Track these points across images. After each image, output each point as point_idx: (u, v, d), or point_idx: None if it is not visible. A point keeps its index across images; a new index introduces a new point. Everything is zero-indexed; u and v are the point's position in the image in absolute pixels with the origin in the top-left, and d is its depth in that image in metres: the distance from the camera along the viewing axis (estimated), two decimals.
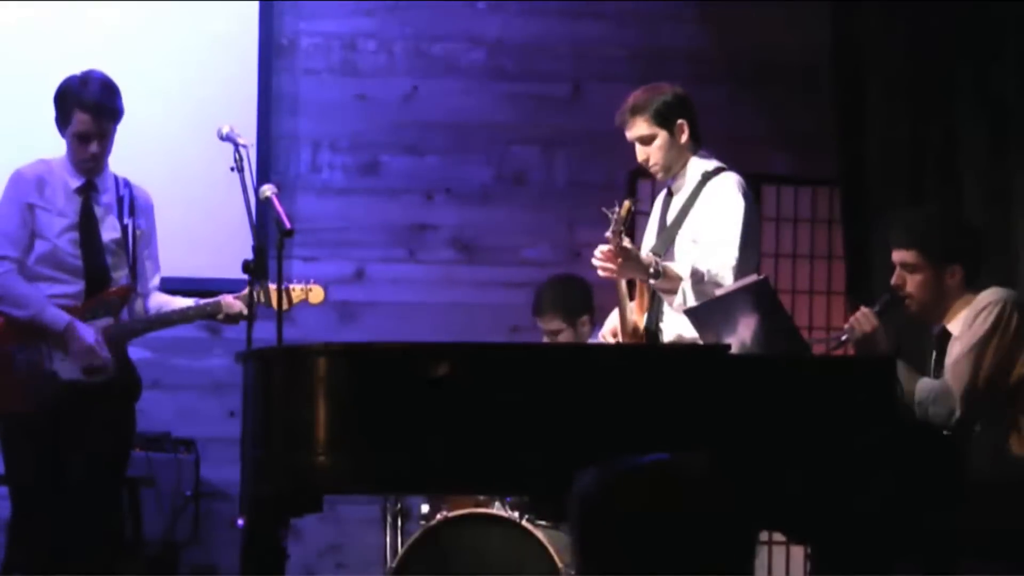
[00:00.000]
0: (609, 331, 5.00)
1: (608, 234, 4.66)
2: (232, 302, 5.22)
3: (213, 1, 6.46)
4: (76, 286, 5.21)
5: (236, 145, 4.89)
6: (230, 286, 5.31)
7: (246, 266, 4.82)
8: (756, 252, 4.96)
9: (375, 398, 3.85)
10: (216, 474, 6.24)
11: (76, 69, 5.29)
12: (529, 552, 5.26)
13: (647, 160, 4.92)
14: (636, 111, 4.89)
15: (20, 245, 5.18)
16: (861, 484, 3.82)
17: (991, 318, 4.58)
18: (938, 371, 4.72)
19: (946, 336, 4.72)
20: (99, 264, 5.23)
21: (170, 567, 6.04)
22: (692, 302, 4.66)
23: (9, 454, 5.24)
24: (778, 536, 6.09)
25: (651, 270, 4.70)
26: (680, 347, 4.68)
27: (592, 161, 6.73)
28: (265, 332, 4.77)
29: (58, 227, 5.21)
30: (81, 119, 5.15)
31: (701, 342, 4.55)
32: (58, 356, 5.16)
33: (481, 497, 5.44)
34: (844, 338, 4.78)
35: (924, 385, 4.58)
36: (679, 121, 4.88)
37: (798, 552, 6.32)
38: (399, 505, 5.72)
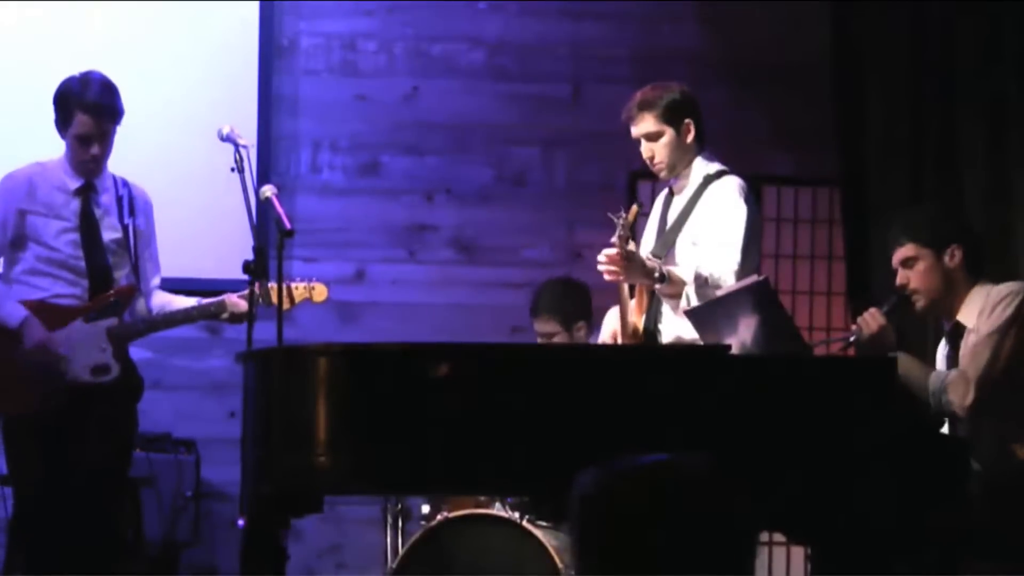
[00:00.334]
0: (609, 335, 5.00)
1: (614, 239, 4.66)
2: (237, 301, 5.22)
3: (214, 1, 6.47)
4: (80, 287, 5.22)
5: (236, 146, 4.89)
6: (231, 286, 5.31)
7: (247, 267, 4.82)
8: (758, 255, 4.96)
9: (375, 398, 3.85)
10: (216, 475, 6.24)
11: (76, 70, 5.29)
12: (529, 552, 5.26)
13: (652, 157, 4.91)
14: (645, 107, 4.88)
15: (1, 249, 5.20)
16: (861, 484, 3.82)
17: (1011, 308, 4.57)
18: (950, 367, 4.72)
19: (959, 330, 4.71)
20: (101, 264, 5.24)
21: (170, 567, 6.04)
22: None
23: (12, 454, 5.24)
24: (778, 536, 6.10)
25: (656, 274, 4.70)
26: (680, 347, 4.68)
27: (592, 162, 6.73)
28: (265, 332, 4.77)
29: (55, 229, 5.21)
30: (82, 120, 5.15)
31: (701, 343, 4.54)
32: (63, 357, 5.16)
33: (481, 498, 5.44)
34: (852, 339, 4.78)
35: (937, 375, 4.58)
36: (686, 120, 4.88)
37: (798, 552, 6.32)
38: (399, 505, 5.73)
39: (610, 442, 3.73)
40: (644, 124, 4.88)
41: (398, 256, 6.67)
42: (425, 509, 5.54)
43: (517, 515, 5.31)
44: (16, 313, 5.13)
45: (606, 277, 4.75)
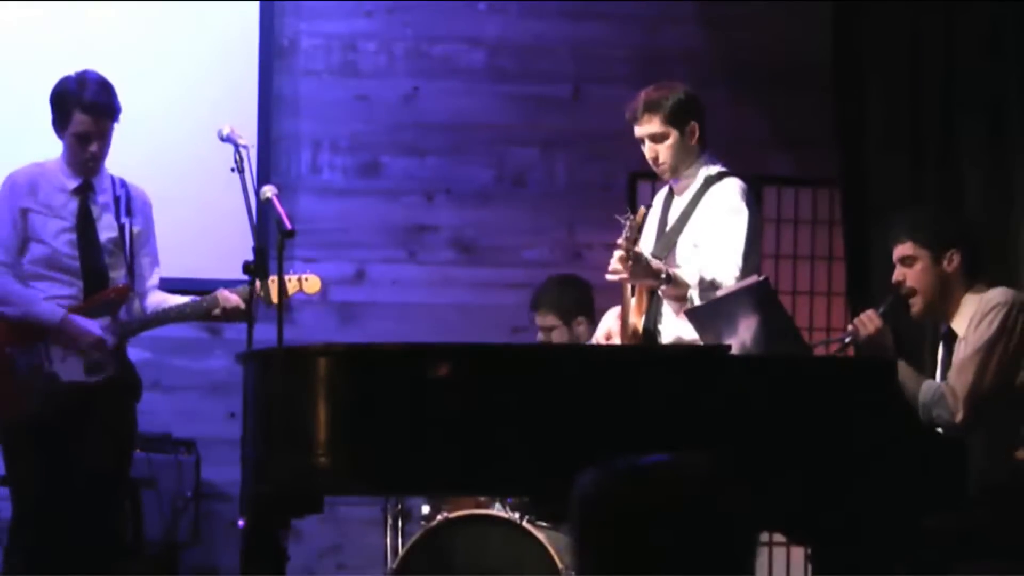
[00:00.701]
0: (603, 335, 5.00)
1: (621, 240, 4.66)
2: (228, 295, 5.21)
3: (214, 2, 6.47)
4: (74, 287, 5.21)
5: (236, 146, 4.89)
6: (230, 287, 5.30)
7: (247, 267, 4.82)
8: (758, 257, 4.96)
9: (376, 399, 3.85)
10: (217, 475, 6.24)
11: (77, 70, 5.29)
12: (529, 553, 5.26)
13: (655, 158, 4.90)
14: (650, 108, 4.86)
15: (11, 250, 5.19)
16: (861, 484, 3.82)
17: (997, 321, 4.56)
18: (946, 372, 4.72)
19: (952, 336, 4.71)
20: (97, 264, 5.24)
21: (170, 568, 6.04)
22: None
23: (10, 455, 5.24)
24: (778, 537, 6.09)
25: (662, 276, 4.70)
26: (680, 348, 4.68)
27: (592, 162, 6.73)
28: (265, 333, 4.77)
29: (54, 229, 5.21)
30: (81, 120, 5.16)
31: (701, 343, 4.54)
32: (58, 357, 5.16)
33: (481, 498, 5.44)
34: (847, 340, 4.78)
35: (928, 387, 4.57)
36: (691, 122, 4.87)
37: (798, 553, 6.32)
38: (400, 506, 5.72)
39: (610, 442, 3.73)
40: (649, 125, 4.87)
41: (398, 256, 6.67)
42: (425, 509, 5.54)
43: (517, 515, 5.31)
44: (54, 311, 5.13)
45: (611, 278, 4.74)
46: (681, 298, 4.71)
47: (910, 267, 4.70)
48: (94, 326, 5.14)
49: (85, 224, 5.24)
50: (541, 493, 4.61)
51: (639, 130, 4.90)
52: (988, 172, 5.83)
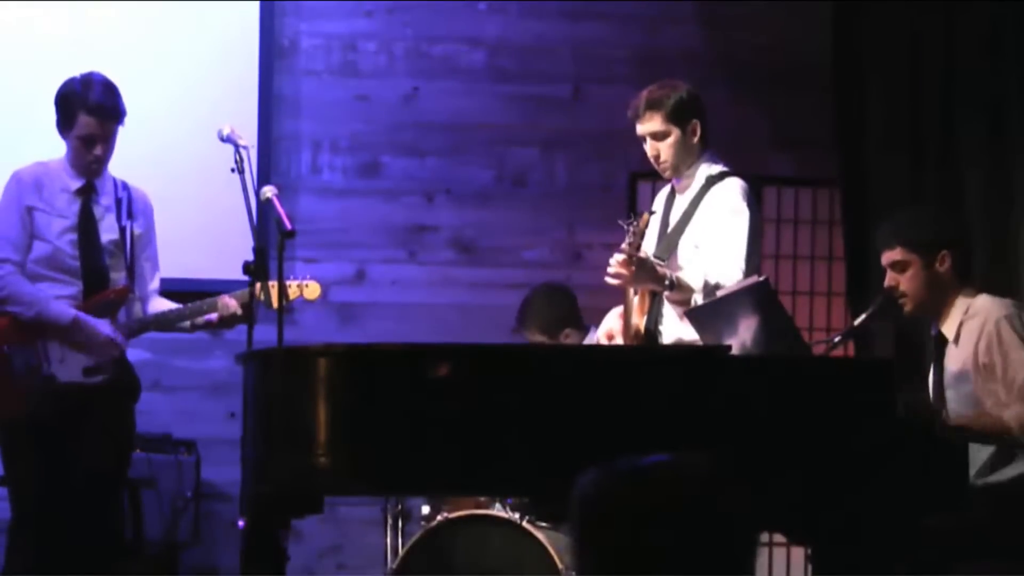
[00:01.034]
0: (604, 334, 5.00)
1: (624, 245, 4.66)
2: (228, 302, 5.21)
3: (214, 2, 6.47)
4: (74, 287, 5.21)
5: (237, 146, 4.88)
6: (230, 287, 5.30)
7: (247, 267, 4.81)
8: (759, 258, 4.96)
9: (376, 399, 3.85)
10: (217, 475, 6.24)
11: (77, 70, 5.29)
12: (529, 553, 5.26)
13: (657, 156, 4.90)
14: (652, 106, 4.86)
15: (20, 248, 5.19)
16: (861, 485, 3.82)
17: (1013, 338, 4.57)
18: (937, 377, 4.72)
19: (943, 339, 4.72)
20: (98, 265, 5.24)
21: (171, 568, 6.04)
22: None
23: (9, 456, 5.24)
24: (778, 537, 6.10)
25: (666, 281, 4.70)
26: (680, 348, 4.68)
27: (592, 162, 6.73)
28: (265, 333, 4.77)
29: (57, 228, 5.21)
30: (86, 122, 5.15)
31: (701, 343, 4.54)
32: (56, 358, 5.16)
33: (481, 498, 5.44)
34: (837, 339, 4.79)
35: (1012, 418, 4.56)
36: (693, 121, 4.87)
37: (798, 553, 6.32)
38: (400, 506, 5.72)
39: (610, 443, 3.73)
40: (651, 123, 4.87)
41: (398, 257, 6.67)
42: (425, 510, 5.54)
43: (517, 515, 5.31)
44: (66, 312, 5.13)
45: (613, 282, 4.74)
46: (685, 302, 4.70)
47: (902, 272, 4.70)
48: (105, 326, 5.14)
49: (87, 225, 5.24)
50: (541, 493, 4.60)
51: (641, 128, 4.90)
52: (988, 172, 5.83)
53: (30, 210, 5.21)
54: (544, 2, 6.75)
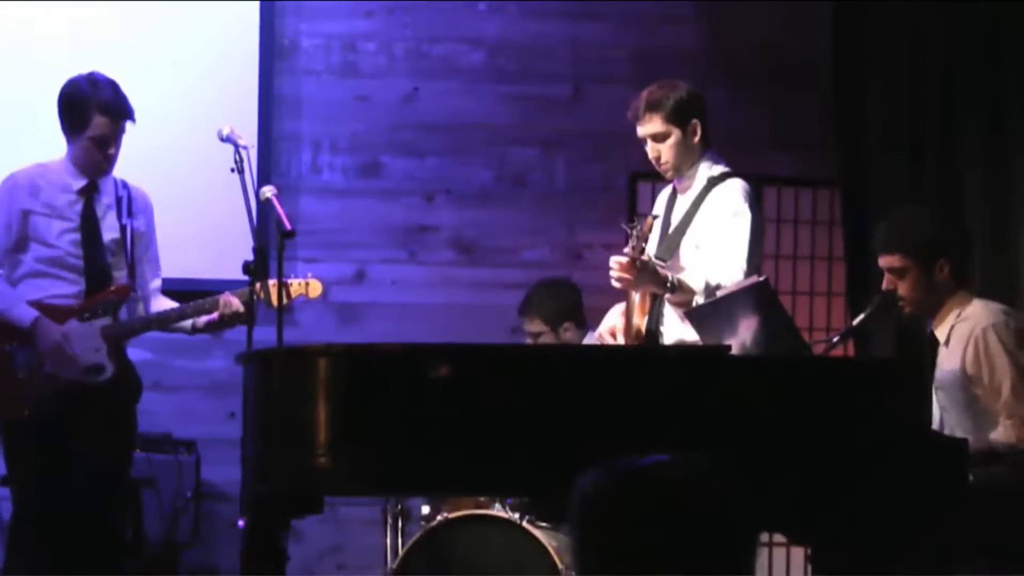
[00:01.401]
0: (607, 331, 5.00)
1: (627, 249, 4.66)
2: (230, 299, 5.20)
3: (214, 2, 6.47)
4: (78, 286, 5.22)
5: (236, 146, 4.89)
6: (230, 287, 5.30)
7: (247, 267, 4.82)
8: (760, 258, 4.96)
9: (376, 399, 3.85)
10: (217, 475, 6.24)
11: (77, 70, 5.28)
12: (529, 553, 5.26)
13: (658, 157, 4.90)
14: (652, 107, 4.86)
15: (1, 250, 5.20)
16: (861, 484, 3.82)
17: (997, 346, 4.59)
18: (929, 377, 4.74)
19: (935, 341, 4.74)
20: (100, 264, 5.24)
21: (171, 568, 6.04)
22: None
23: (11, 455, 5.24)
24: (778, 537, 6.10)
25: (667, 284, 4.70)
26: (680, 348, 4.68)
27: (592, 163, 6.73)
28: (266, 333, 4.77)
29: (58, 229, 5.21)
30: (101, 122, 5.15)
31: (702, 343, 4.54)
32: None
33: (481, 498, 5.44)
34: (835, 339, 4.79)
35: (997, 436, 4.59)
36: (693, 121, 4.87)
37: (798, 553, 6.32)
38: (400, 506, 5.72)
39: (610, 443, 3.73)
40: (651, 124, 4.86)
41: (398, 257, 6.67)
42: (425, 510, 5.54)
43: (517, 515, 5.31)
44: (27, 315, 5.13)
45: (616, 284, 4.74)
46: (686, 304, 4.70)
47: (900, 278, 4.72)
48: (56, 333, 5.12)
49: (89, 224, 5.24)
50: (541, 493, 4.61)
51: (641, 129, 4.89)
52: (988, 172, 5.83)
53: (26, 214, 5.21)
54: (544, 2, 6.75)
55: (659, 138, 4.87)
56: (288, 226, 4.71)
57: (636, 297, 4.88)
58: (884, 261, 4.75)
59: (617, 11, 6.76)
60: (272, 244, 4.91)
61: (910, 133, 6.13)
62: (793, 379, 3.93)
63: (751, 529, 2.00)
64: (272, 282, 4.82)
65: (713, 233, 4.81)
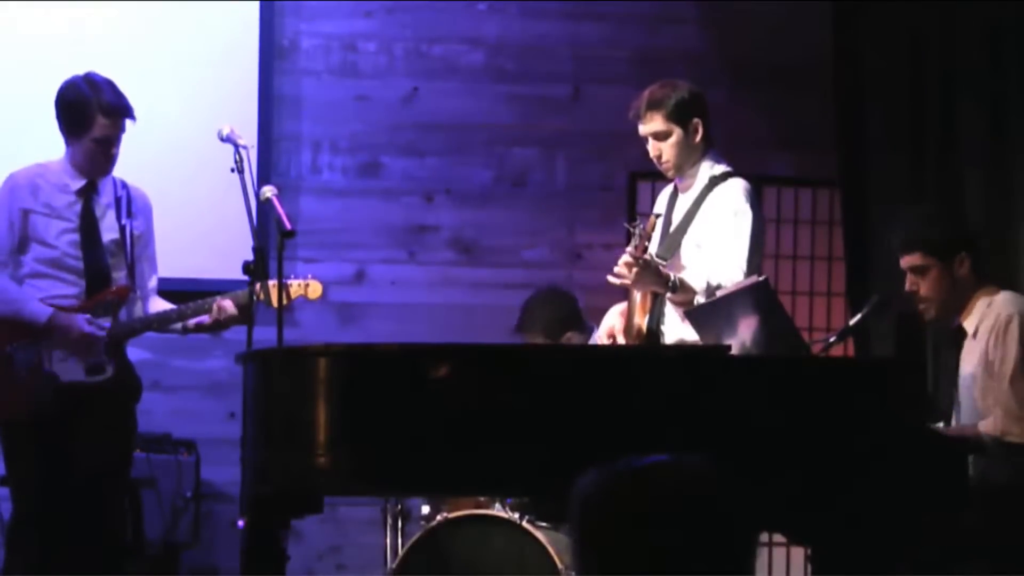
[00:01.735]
0: (605, 332, 5.00)
1: (630, 248, 4.66)
2: (223, 304, 5.19)
3: (214, 2, 6.47)
4: (77, 287, 5.21)
5: (236, 146, 4.88)
6: (230, 287, 5.30)
7: (247, 267, 4.82)
8: (761, 258, 4.96)
9: (375, 399, 3.85)
10: (216, 475, 6.24)
11: (76, 70, 5.28)
12: (529, 553, 5.26)
13: (659, 156, 4.90)
14: (653, 106, 4.86)
15: (3, 250, 5.19)
16: (861, 484, 3.82)
17: (1015, 337, 4.59)
18: (953, 370, 4.75)
19: (962, 333, 4.75)
20: (100, 265, 5.24)
21: (170, 568, 6.04)
22: None
23: (10, 455, 5.24)
24: (778, 537, 6.10)
25: (669, 283, 4.70)
26: (680, 348, 4.68)
27: (592, 162, 6.73)
28: (265, 333, 4.77)
29: (57, 230, 5.21)
30: (104, 123, 5.14)
31: (702, 343, 4.54)
32: (57, 357, 5.16)
33: (481, 498, 5.44)
34: (832, 340, 4.80)
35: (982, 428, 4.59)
36: (694, 120, 4.87)
37: (798, 553, 6.32)
38: (399, 506, 5.72)
39: (610, 443, 3.73)
40: (652, 123, 4.87)
41: (398, 257, 6.67)
42: (425, 510, 5.54)
43: (517, 516, 5.31)
44: (42, 311, 5.13)
45: (616, 282, 4.74)
46: (688, 304, 4.70)
47: (922, 276, 4.73)
48: (81, 322, 5.13)
49: (88, 224, 5.23)
50: (541, 493, 4.61)
51: (642, 128, 4.90)
52: (988, 172, 5.83)
53: (26, 213, 5.21)
54: (544, 2, 6.75)
55: (660, 137, 4.87)
56: (288, 226, 4.71)
57: (637, 296, 4.88)
58: (905, 262, 4.77)
59: (617, 11, 6.76)
60: (272, 244, 4.91)
61: (910, 133, 6.13)
62: (793, 379, 3.93)
63: (751, 529, 2.00)
64: (272, 283, 4.82)
65: (714, 232, 4.81)
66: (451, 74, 6.71)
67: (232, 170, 4.86)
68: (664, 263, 4.78)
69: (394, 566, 5.38)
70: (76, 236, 5.22)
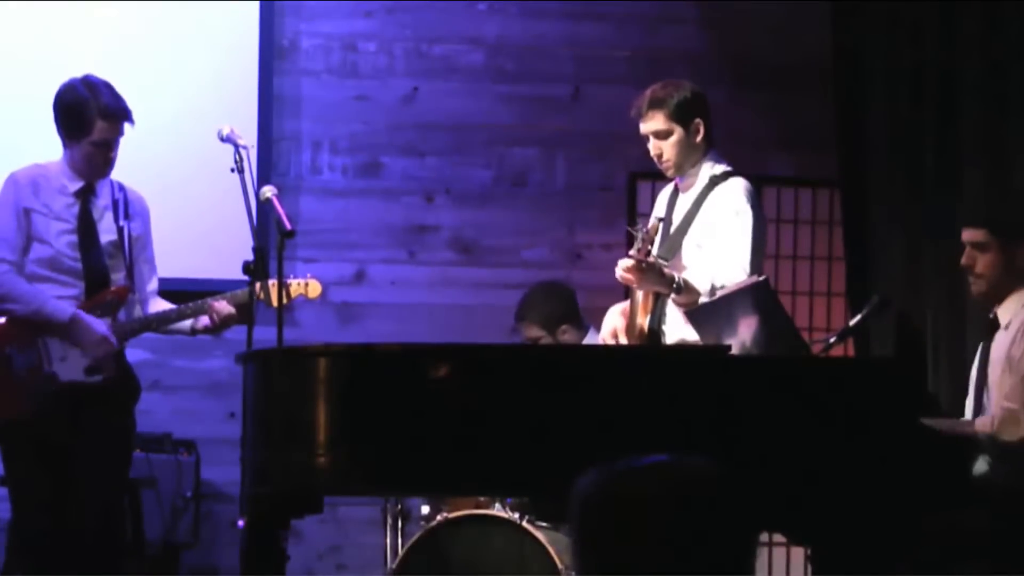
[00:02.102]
0: (608, 332, 5.01)
1: (633, 251, 4.67)
2: (218, 306, 5.19)
3: (214, 2, 6.47)
4: (76, 288, 5.21)
5: (236, 146, 4.88)
6: (230, 287, 5.29)
7: (247, 267, 4.82)
8: (762, 258, 4.96)
9: (375, 399, 3.85)
10: (216, 475, 6.24)
11: (76, 71, 5.28)
12: (529, 553, 5.26)
13: (659, 155, 4.90)
14: (655, 105, 4.87)
15: (16, 248, 5.19)
16: (861, 484, 3.82)
17: None
18: (983, 359, 4.76)
19: (995, 325, 4.76)
20: (98, 266, 5.23)
21: (170, 568, 6.04)
22: None
23: (9, 455, 5.24)
24: (778, 537, 6.10)
25: (673, 284, 4.70)
26: (680, 348, 4.68)
27: (592, 162, 6.73)
28: (265, 333, 4.77)
29: (55, 230, 5.21)
30: (103, 127, 5.14)
31: (702, 343, 4.54)
32: (57, 357, 5.16)
33: (481, 498, 5.44)
34: (833, 340, 4.80)
35: (981, 422, 4.59)
36: (696, 120, 4.87)
37: (798, 553, 6.32)
38: (399, 506, 5.73)
39: (610, 443, 3.73)
40: (654, 121, 4.87)
41: (398, 257, 6.67)
42: (425, 510, 5.54)
43: (517, 516, 5.31)
44: (64, 309, 5.12)
45: (621, 281, 4.76)
46: (691, 304, 4.70)
47: (981, 252, 4.74)
48: (101, 325, 5.14)
49: (86, 226, 5.23)
50: (541, 493, 4.61)
51: (644, 126, 4.90)
52: (988, 172, 5.83)
53: (27, 212, 5.20)
54: (544, 2, 6.75)
55: (661, 135, 4.88)
56: (288, 226, 4.71)
57: (639, 296, 4.88)
58: (967, 235, 4.79)
59: (617, 11, 6.76)
60: (272, 244, 4.91)
61: (910, 133, 6.12)
62: (793, 379, 3.93)
63: (751, 529, 2.00)
64: (272, 282, 4.82)
65: (715, 233, 4.81)
66: (451, 74, 6.71)
67: (232, 170, 4.86)
68: (666, 264, 4.78)
69: (394, 566, 5.38)
70: (74, 237, 5.22)
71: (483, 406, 3.83)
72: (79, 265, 5.21)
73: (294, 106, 6.60)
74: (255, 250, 4.80)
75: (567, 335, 5.93)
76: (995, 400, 4.66)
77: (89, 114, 5.13)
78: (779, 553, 6.45)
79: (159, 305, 5.37)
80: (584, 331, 5.94)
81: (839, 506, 3.82)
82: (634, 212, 6.58)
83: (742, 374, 3.94)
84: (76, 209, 5.24)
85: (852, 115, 6.32)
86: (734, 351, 4.17)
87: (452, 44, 6.72)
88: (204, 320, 5.28)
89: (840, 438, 3.84)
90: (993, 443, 4.54)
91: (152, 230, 5.39)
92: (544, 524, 5.32)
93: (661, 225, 4.89)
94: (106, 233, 5.26)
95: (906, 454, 3.86)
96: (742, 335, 4.30)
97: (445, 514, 5.36)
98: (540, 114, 6.74)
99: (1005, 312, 4.75)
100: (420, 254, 6.68)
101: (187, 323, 5.32)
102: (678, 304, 4.79)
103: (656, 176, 5.16)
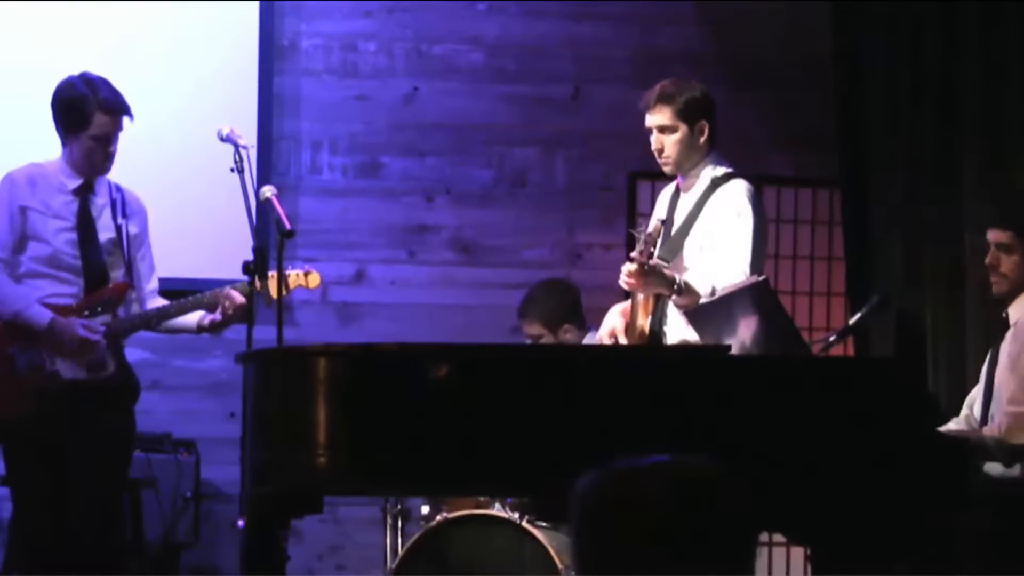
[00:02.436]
0: (607, 332, 5.01)
1: (635, 253, 4.67)
2: (231, 293, 5.16)
3: (214, 2, 6.47)
4: (76, 286, 5.21)
5: (236, 146, 4.88)
6: (231, 287, 5.29)
7: (246, 267, 4.82)
8: (763, 259, 4.96)
9: (375, 399, 3.85)
10: (216, 475, 6.24)
11: (75, 70, 5.27)
12: (529, 553, 5.26)
13: (660, 150, 4.90)
14: (664, 99, 4.87)
15: (6, 248, 5.19)
16: (861, 484, 3.82)
17: None
18: (993, 359, 4.76)
19: (1006, 324, 4.76)
20: (98, 263, 5.23)
21: (170, 568, 6.04)
22: None
23: (10, 454, 5.24)
24: (778, 537, 6.09)
25: (675, 286, 4.71)
26: (680, 348, 4.68)
27: (592, 162, 6.73)
28: (265, 333, 4.77)
29: (54, 228, 5.21)
30: (103, 120, 5.14)
31: (702, 343, 4.54)
32: (59, 356, 5.16)
33: (481, 498, 5.44)
34: (832, 339, 4.80)
35: (988, 432, 4.59)
36: (701, 121, 4.88)
37: (798, 553, 6.32)
38: (399, 506, 5.73)
39: (610, 443, 3.73)
40: (660, 115, 4.88)
41: (398, 257, 6.67)
42: (425, 510, 5.54)
43: (517, 516, 5.31)
44: (43, 315, 5.12)
45: (624, 286, 4.76)
46: (692, 306, 4.70)
47: (1006, 254, 4.76)
48: (76, 326, 5.12)
49: (85, 223, 5.23)
50: (541, 493, 4.61)
51: (650, 119, 4.90)
52: (988, 172, 5.82)
53: (24, 210, 5.20)
54: (544, 2, 6.75)
55: (665, 131, 4.88)
56: (288, 226, 4.71)
57: (640, 297, 4.88)
58: (993, 235, 4.80)
59: (617, 11, 6.76)
60: (272, 244, 4.91)
61: (910, 133, 6.12)
62: (793, 379, 3.93)
63: (751, 529, 2.00)
64: (271, 273, 4.81)
65: (717, 234, 4.81)
66: (451, 74, 6.71)
67: (232, 170, 4.86)
68: (667, 265, 4.78)
69: (394, 566, 5.38)
70: (73, 235, 5.22)
71: (483, 406, 3.83)
72: (78, 262, 5.21)
73: (294, 106, 6.60)
74: (255, 250, 4.80)
75: (569, 334, 5.93)
76: (1001, 403, 4.66)
77: (88, 108, 5.13)
78: (779, 553, 6.45)
79: (159, 303, 5.37)
80: (585, 332, 5.94)
81: (839, 506, 3.82)
82: (634, 212, 6.58)
83: (742, 374, 3.94)
84: (75, 207, 5.23)
85: (852, 115, 6.32)
86: (734, 351, 4.17)
87: (452, 44, 6.72)
88: (211, 316, 5.26)
89: (840, 438, 3.83)
90: (1000, 446, 4.54)
91: (152, 230, 5.39)
92: (544, 524, 5.32)
93: (662, 226, 4.89)
94: (105, 231, 5.26)
95: (906, 454, 3.86)
96: (742, 335, 4.30)
97: (445, 514, 5.36)
98: (540, 114, 6.74)
99: (1015, 310, 4.75)
100: (420, 254, 6.68)
101: (193, 320, 5.30)
102: (678, 306, 4.79)
103: (656, 176, 5.16)
